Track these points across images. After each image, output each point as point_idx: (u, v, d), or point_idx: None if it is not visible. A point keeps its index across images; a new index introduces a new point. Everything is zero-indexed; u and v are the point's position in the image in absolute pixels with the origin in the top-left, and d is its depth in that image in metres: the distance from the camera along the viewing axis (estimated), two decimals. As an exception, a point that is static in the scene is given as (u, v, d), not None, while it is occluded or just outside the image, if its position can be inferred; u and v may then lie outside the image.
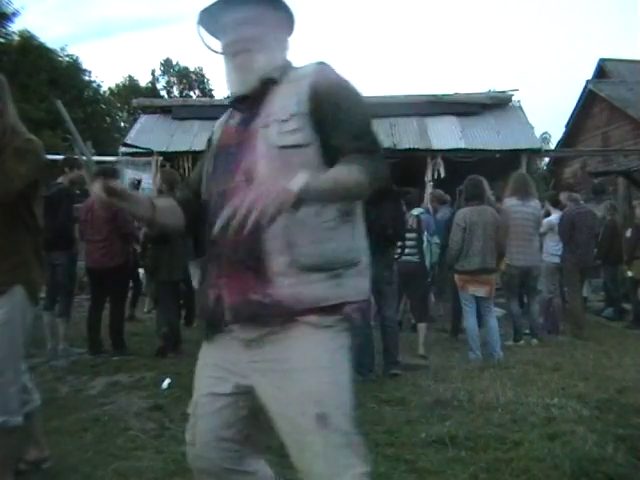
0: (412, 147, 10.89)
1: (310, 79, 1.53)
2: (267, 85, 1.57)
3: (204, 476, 1.64)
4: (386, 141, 10.73)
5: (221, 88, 34.11)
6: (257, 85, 1.57)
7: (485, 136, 11.19)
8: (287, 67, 1.62)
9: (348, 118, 1.47)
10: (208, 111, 9.91)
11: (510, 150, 10.77)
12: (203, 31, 1.65)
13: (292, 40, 1.69)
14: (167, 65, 37.60)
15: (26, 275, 2.29)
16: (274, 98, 1.56)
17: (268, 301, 1.44)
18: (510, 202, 6.06)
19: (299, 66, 1.63)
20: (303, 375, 1.45)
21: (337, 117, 1.47)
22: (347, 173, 1.37)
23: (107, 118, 31.58)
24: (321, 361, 1.46)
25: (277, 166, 1.44)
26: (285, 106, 1.51)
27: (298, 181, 1.24)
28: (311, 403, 1.43)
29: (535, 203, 6.21)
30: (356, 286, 1.52)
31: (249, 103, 1.60)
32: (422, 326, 5.64)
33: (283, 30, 1.67)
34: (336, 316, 1.48)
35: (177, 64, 37.43)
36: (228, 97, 1.71)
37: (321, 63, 1.59)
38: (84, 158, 1.67)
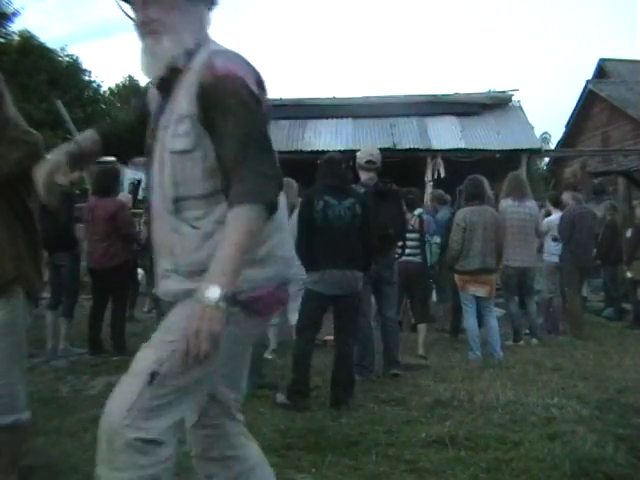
0: (412, 147, 10.90)
1: (198, 74, 1.48)
2: (174, 73, 1.53)
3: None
4: (386, 141, 10.75)
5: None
6: (163, 72, 1.54)
7: (485, 136, 11.20)
8: (197, 50, 1.54)
9: (233, 126, 1.42)
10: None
11: (510, 150, 10.77)
12: (122, 3, 1.59)
13: (213, 12, 1.62)
14: (167, 65, 37.58)
15: (23, 272, 2.28)
16: (179, 90, 1.52)
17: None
18: (506, 203, 6.08)
19: (208, 48, 1.55)
20: (166, 332, 1.50)
21: (222, 125, 1.44)
22: (234, 229, 1.35)
23: (107, 118, 31.54)
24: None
25: (169, 173, 1.51)
26: (182, 104, 1.50)
27: (213, 294, 1.31)
28: (155, 357, 1.46)
29: (531, 204, 6.21)
30: (243, 277, 1.47)
31: (163, 89, 1.59)
32: (422, 327, 5.62)
33: (198, 7, 1.58)
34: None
35: (177, 64, 37.41)
36: None
37: (214, 53, 1.51)
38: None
